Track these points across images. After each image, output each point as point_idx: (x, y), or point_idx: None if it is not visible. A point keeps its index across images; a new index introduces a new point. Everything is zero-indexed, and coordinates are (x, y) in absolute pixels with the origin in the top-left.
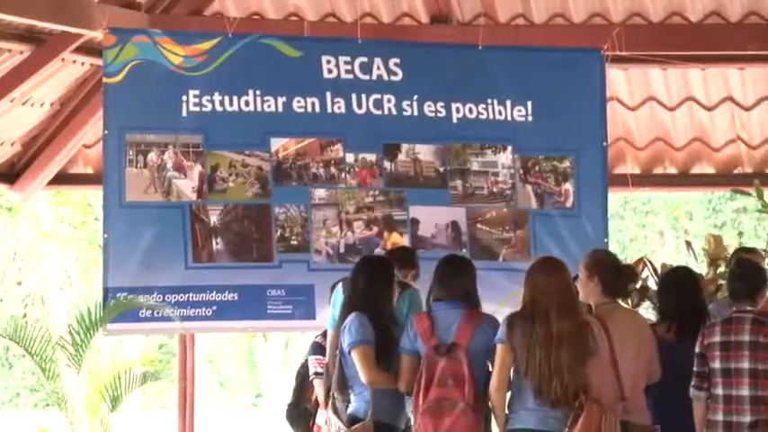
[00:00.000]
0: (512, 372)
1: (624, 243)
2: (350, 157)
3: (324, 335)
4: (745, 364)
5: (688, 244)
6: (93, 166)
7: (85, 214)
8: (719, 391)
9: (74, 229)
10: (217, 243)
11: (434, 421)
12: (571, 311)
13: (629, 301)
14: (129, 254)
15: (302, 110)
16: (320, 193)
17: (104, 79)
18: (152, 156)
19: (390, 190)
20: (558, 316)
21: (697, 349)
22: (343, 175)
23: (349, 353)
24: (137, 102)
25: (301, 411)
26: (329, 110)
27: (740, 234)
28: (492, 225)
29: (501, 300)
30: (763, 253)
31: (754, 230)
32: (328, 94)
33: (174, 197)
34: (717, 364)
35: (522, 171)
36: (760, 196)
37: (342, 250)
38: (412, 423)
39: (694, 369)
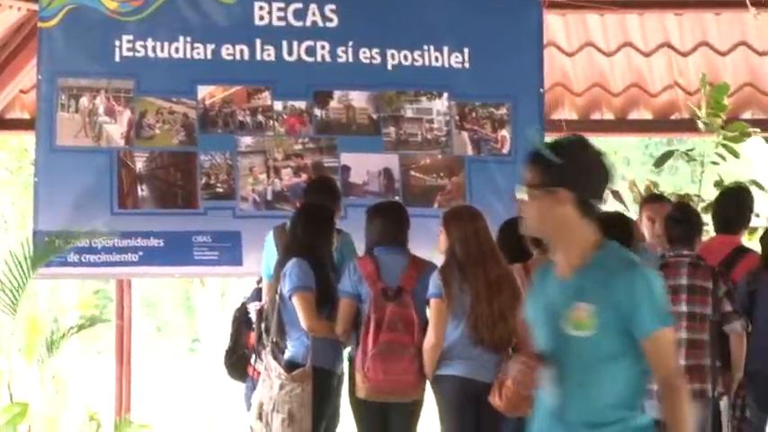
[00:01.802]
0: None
1: None
2: (278, 105)
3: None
4: (683, 308)
5: (614, 192)
6: (30, 112)
7: (21, 159)
8: None
9: (10, 173)
10: (142, 190)
11: (386, 365)
12: (498, 258)
13: None
14: (58, 198)
15: (231, 57)
16: (246, 140)
17: (39, 23)
18: (84, 100)
19: (321, 137)
20: (490, 263)
21: None
22: (271, 122)
23: (290, 299)
24: (71, 46)
25: (238, 356)
26: (258, 57)
27: (655, 184)
28: (426, 172)
29: (435, 246)
30: (695, 198)
31: (690, 176)
32: (258, 41)
33: (103, 142)
34: None
35: (457, 118)
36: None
37: (269, 197)
38: (357, 365)
39: None
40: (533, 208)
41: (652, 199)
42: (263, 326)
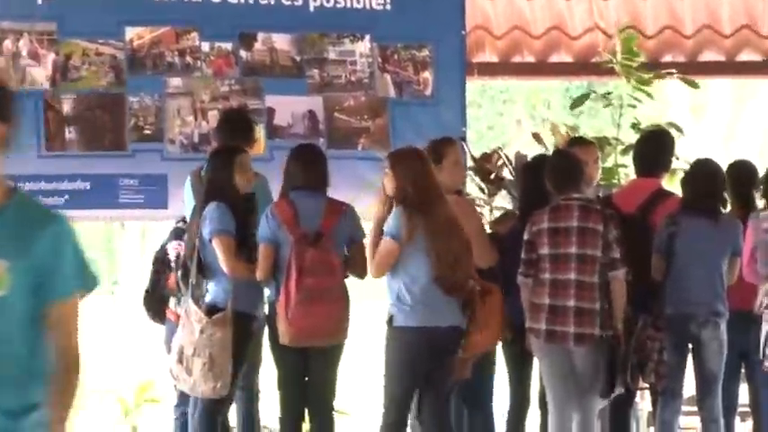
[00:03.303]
0: (397, 266)
1: (482, 131)
2: (205, 46)
3: (184, 220)
4: (573, 250)
5: (536, 135)
6: None
7: None
8: (547, 275)
9: None
10: (69, 132)
11: (309, 310)
12: (444, 198)
13: (486, 190)
14: None
15: None
16: (175, 82)
17: None
18: (7, 43)
19: (246, 79)
20: (442, 202)
21: (525, 236)
22: (199, 63)
23: (210, 242)
24: None
25: (157, 297)
26: None
27: (574, 127)
28: (350, 114)
29: (359, 188)
30: (614, 141)
31: (611, 118)
32: None
33: (28, 85)
34: (545, 251)
35: (380, 60)
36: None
37: (196, 140)
38: (280, 313)
39: (522, 256)
40: None
41: (577, 142)
42: (182, 269)
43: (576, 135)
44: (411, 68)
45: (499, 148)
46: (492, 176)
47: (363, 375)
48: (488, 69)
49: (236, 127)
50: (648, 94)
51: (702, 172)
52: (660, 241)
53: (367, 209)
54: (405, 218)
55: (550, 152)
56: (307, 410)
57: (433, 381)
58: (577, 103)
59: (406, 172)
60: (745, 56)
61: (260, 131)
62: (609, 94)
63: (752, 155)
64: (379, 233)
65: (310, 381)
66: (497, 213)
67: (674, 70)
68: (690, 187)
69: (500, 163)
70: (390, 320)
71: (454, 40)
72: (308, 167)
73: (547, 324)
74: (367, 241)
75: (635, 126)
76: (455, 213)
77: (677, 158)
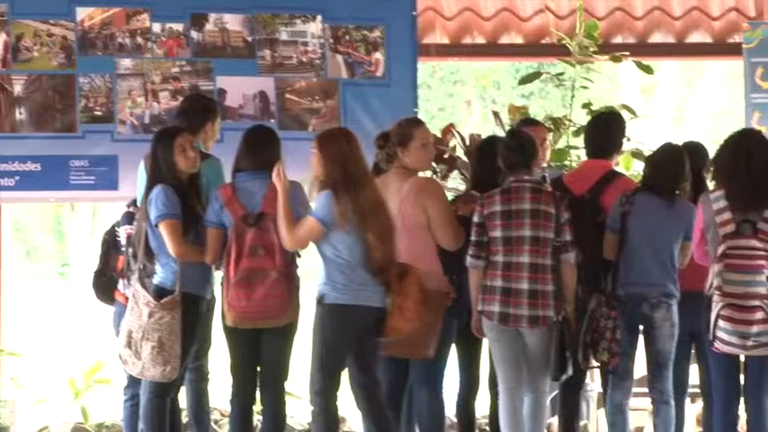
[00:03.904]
0: (326, 248)
1: (432, 112)
2: (157, 27)
3: (135, 203)
4: (527, 232)
5: (495, 114)
6: None
7: None
8: (500, 258)
9: None
10: (20, 113)
11: (247, 292)
12: (372, 180)
13: (438, 172)
14: None
15: None
16: (126, 63)
17: None
18: None
19: (197, 60)
20: (369, 184)
21: (475, 219)
22: (150, 44)
23: (156, 226)
24: None
25: (107, 279)
26: None
27: (524, 111)
28: (301, 95)
29: (309, 169)
30: (565, 122)
31: (561, 99)
32: None
33: None
34: (498, 233)
35: (331, 41)
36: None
37: (147, 121)
38: (223, 294)
39: (472, 238)
40: None
41: (527, 123)
42: (131, 252)
43: (530, 117)
44: (363, 49)
45: (452, 124)
46: (445, 156)
47: None
48: (439, 51)
49: (201, 108)
50: (596, 72)
51: (666, 153)
52: (613, 220)
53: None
54: (334, 202)
55: (503, 133)
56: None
57: (358, 358)
58: (527, 80)
59: (333, 154)
60: (695, 37)
61: None
62: (561, 75)
63: (701, 136)
64: (288, 204)
65: (262, 362)
66: (450, 195)
67: (627, 53)
68: (651, 167)
69: (453, 144)
70: (321, 299)
71: (405, 21)
72: (251, 149)
73: (500, 306)
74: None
75: (586, 106)
76: (381, 195)
77: (628, 140)
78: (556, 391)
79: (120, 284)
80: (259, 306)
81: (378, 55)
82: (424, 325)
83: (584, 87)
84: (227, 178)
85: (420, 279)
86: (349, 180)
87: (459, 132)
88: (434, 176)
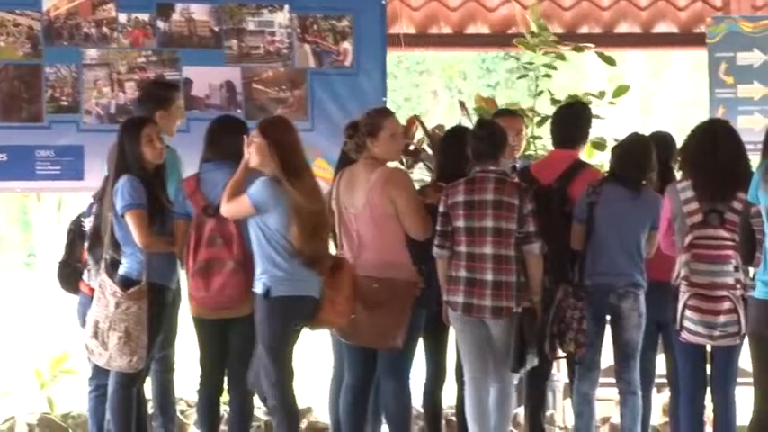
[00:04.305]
0: (260, 238)
1: (398, 103)
2: (123, 17)
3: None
4: (489, 223)
5: (462, 104)
6: None
7: None
8: (463, 248)
9: None
10: None
11: (205, 282)
12: (309, 169)
13: (404, 162)
14: None
15: None
16: (92, 53)
17: None
18: None
19: (163, 50)
20: (307, 174)
21: (441, 209)
22: (116, 34)
23: (122, 216)
24: None
25: (71, 270)
26: None
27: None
28: (268, 85)
29: None
30: (530, 113)
31: (528, 90)
32: None
33: None
34: (461, 223)
35: (299, 30)
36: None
37: (112, 111)
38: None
39: (437, 228)
40: None
41: (504, 113)
42: (90, 242)
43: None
44: (331, 39)
45: (416, 116)
46: (411, 148)
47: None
48: (407, 40)
49: (149, 98)
50: (564, 62)
51: (633, 143)
52: (580, 210)
53: None
54: (270, 188)
55: (470, 124)
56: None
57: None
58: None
59: (275, 142)
60: (662, 28)
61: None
62: (531, 64)
63: (667, 126)
64: (243, 175)
65: (230, 353)
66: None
67: (591, 44)
68: (618, 157)
69: (419, 136)
70: (267, 293)
71: (374, 10)
72: (216, 140)
73: (464, 297)
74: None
75: (554, 100)
76: (318, 186)
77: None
78: (519, 376)
79: (85, 275)
80: (217, 296)
81: (346, 44)
82: (394, 316)
83: (548, 76)
84: (189, 170)
85: (353, 274)
86: (288, 169)
87: (423, 124)
88: (401, 167)
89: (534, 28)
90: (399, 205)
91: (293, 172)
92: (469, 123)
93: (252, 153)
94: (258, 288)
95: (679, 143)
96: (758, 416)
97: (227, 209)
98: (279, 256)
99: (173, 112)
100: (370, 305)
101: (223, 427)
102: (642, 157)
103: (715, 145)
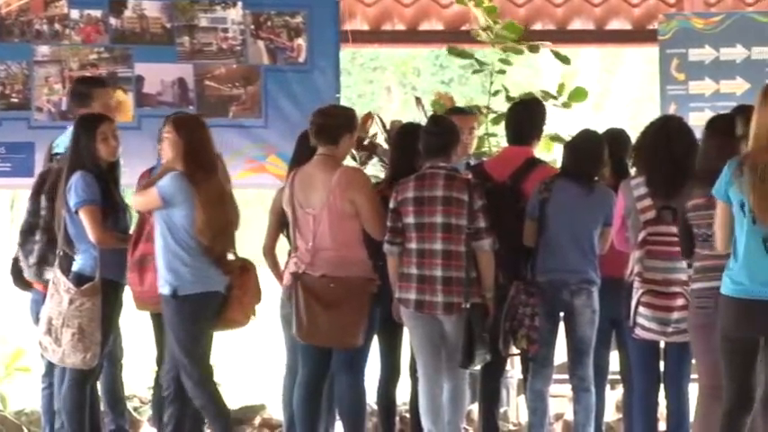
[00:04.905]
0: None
1: (352, 99)
2: (75, 14)
3: None
4: (439, 219)
5: (418, 100)
6: None
7: None
8: (413, 245)
9: None
10: None
11: (140, 276)
12: (219, 167)
13: (357, 158)
14: None
15: None
16: (43, 49)
17: None
18: None
19: (115, 47)
20: (217, 172)
21: (391, 205)
22: (68, 31)
23: (76, 212)
24: None
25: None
26: None
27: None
28: (221, 81)
29: (229, 156)
30: (485, 110)
31: (481, 86)
32: None
33: None
34: (411, 219)
35: (253, 27)
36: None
37: (64, 108)
38: None
39: (388, 224)
40: None
41: (456, 111)
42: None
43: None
44: (285, 35)
45: (371, 112)
46: (365, 143)
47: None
48: (361, 37)
49: (71, 95)
50: (518, 57)
51: (584, 140)
52: (532, 207)
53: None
54: (179, 183)
55: (425, 120)
56: None
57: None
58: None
59: (188, 139)
60: (615, 24)
61: (129, 99)
62: (483, 63)
63: (621, 123)
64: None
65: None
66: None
67: (548, 42)
68: (569, 154)
69: (373, 131)
70: (174, 293)
71: (328, 6)
72: None
73: (417, 294)
74: None
75: (509, 97)
76: (227, 186)
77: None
78: (475, 375)
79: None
80: (151, 290)
81: (300, 41)
82: (352, 314)
83: (502, 72)
84: (140, 167)
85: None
86: (199, 166)
87: (381, 119)
88: (354, 163)
89: (483, 22)
90: (360, 207)
91: (202, 168)
92: (425, 119)
93: (164, 148)
94: (165, 289)
95: (633, 139)
96: (729, 411)
97: (137, 200)
98: (184, 252)
99: (95, 108)
100: (328, 305)
101: None
102: (594, 154)
103: (669, 141)
